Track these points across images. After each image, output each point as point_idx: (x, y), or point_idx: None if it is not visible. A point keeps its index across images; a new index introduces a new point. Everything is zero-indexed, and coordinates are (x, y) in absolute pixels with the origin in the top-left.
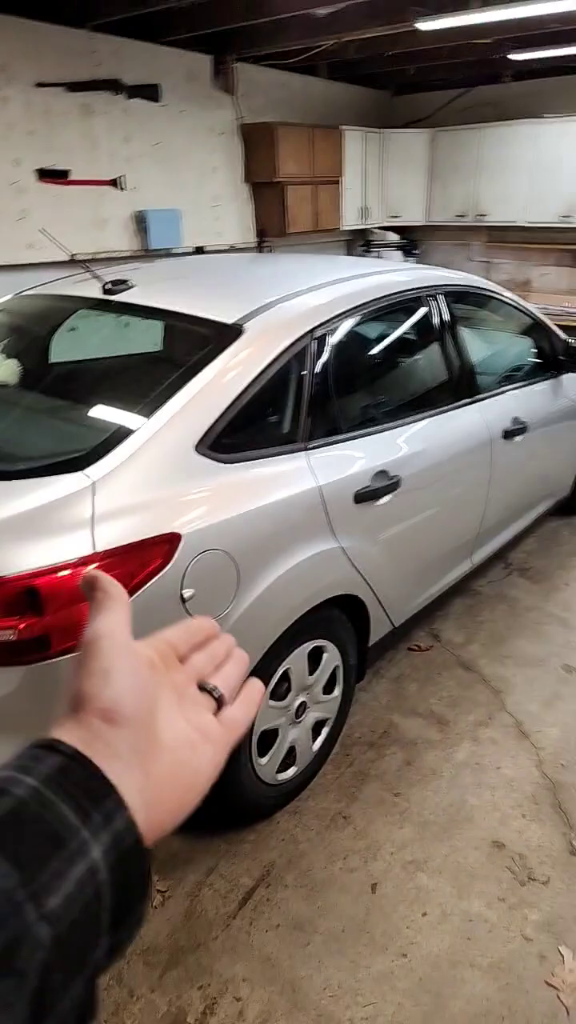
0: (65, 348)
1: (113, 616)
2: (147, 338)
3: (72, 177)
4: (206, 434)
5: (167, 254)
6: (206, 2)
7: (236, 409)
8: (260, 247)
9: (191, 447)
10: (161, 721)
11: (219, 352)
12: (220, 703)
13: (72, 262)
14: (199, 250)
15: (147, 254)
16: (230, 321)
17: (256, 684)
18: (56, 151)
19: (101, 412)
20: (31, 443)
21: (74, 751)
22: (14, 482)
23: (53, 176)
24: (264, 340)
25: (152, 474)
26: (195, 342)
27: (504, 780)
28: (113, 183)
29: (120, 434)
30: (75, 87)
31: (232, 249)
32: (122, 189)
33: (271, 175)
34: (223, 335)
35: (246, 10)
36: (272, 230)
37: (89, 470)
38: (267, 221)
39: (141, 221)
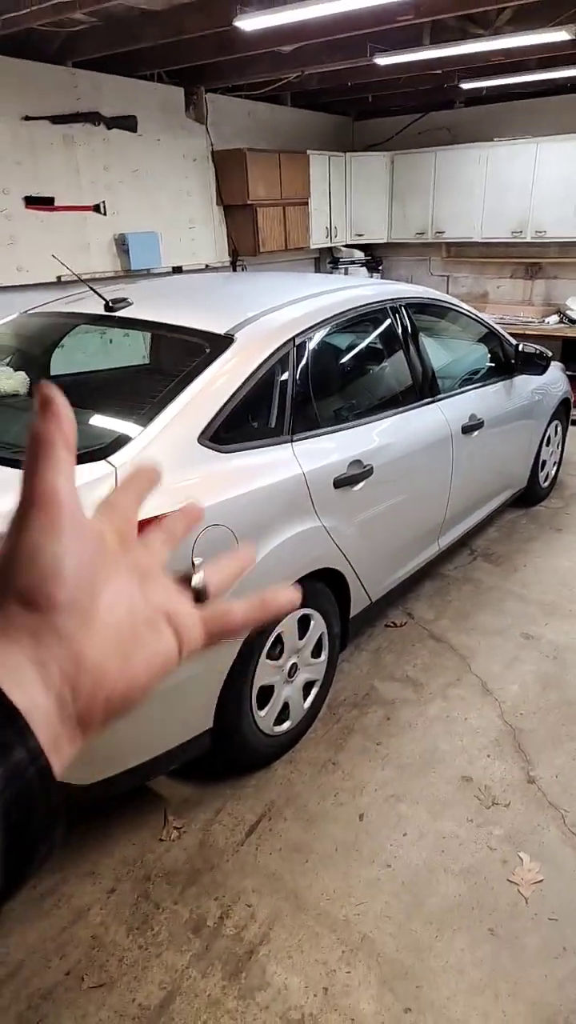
0: (75, 360)
1: (59, 474)
2: (147, 348)
3: (57, 204)
4: (207, 427)
5: (147, 274)
6: (178, 41)
7: (232, 406)
8: (234, 266)
9: (195, 438)
10: (106, 602)
11: (215, 358)
12: (200, 596)
13: (59, 283)
14: (177, 270)
15: (128, 274)
16: (222, 331)
17: (287, 589)
18: (41, 180)
19: (116, 411)
20: None
21: None
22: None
23: (39, 203)
24: (252, 347)
25: (163, 461)
26: (193, 349)
27: (471, 728)
28: (95, 208)
29: (135, 429)
30: (58, 120)
31: (208, 268)
32: (104, 214)
33: (243, 198)
34: (217, 343)
35: (216, 48)
36: (245, 249)
37: (111, 458)
38: (240, 241)
39: (122, 243)
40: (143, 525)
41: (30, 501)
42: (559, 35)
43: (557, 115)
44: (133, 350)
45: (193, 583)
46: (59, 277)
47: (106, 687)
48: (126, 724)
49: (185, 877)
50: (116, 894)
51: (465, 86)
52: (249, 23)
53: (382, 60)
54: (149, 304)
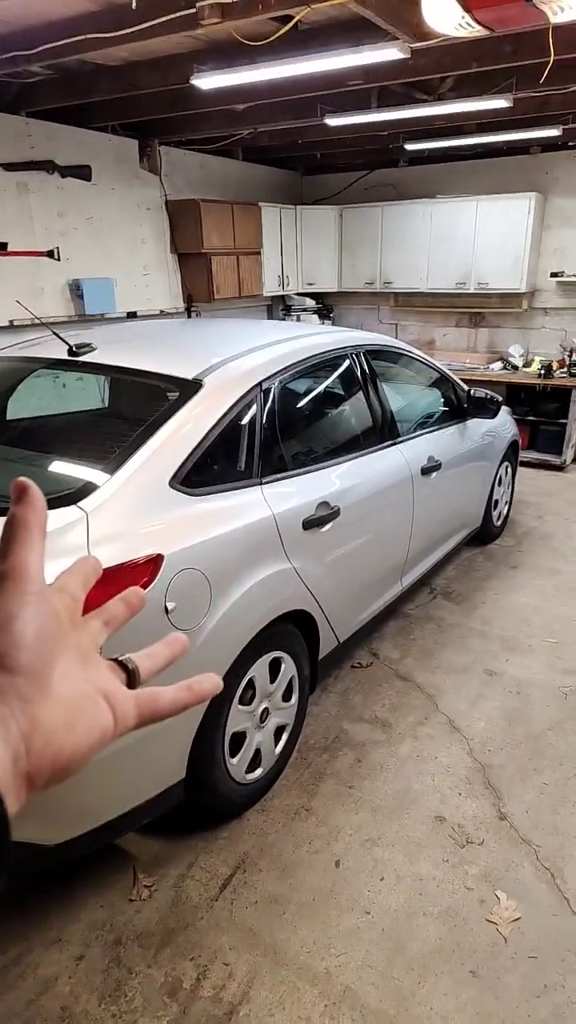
0: (31, 404)
1: (31, 553)
2: (106, 393)
3: (10, 248)
4: (178, 471)
5: (102, 319)
6: (133, 96)
7: (202, 449)
8: (189, 312)
9: (166, 482)
10: (58, 673)
11: (184, 402)
12: (132, 677)
13: (11, 327)
14: (132, 315)
15: (83, 319)
16: (190, 376)
17: (210, 677)
18: None
19: (86, 455)
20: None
21: None
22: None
23: None
24: (220, 392)
25: (135, 505)
26: (161, 394)
27: (442, 767)
28: (49, 254)
29: (105, 473)
30: (12, 167)
31: (162, 314)
32: (58, 259)
33: (197, 247)
34: (186, 388)
35: (170, 104)
36: (200, 296)
37: (82, 503)
38: (195, 288)
39: (76, 289)
40: (108, 573)
41: (5, 574)
42: (498, 103)
43: (494, 175)
44: (88, 394)
45: (127, 665)
46: (11, 321)
47: (54, 749)
48: (96, 778)
49: (158, 938)
50: (85, 961)
51: (409, 147)
52: (205, 82)
53: (332, 121)
54: (112, 349)
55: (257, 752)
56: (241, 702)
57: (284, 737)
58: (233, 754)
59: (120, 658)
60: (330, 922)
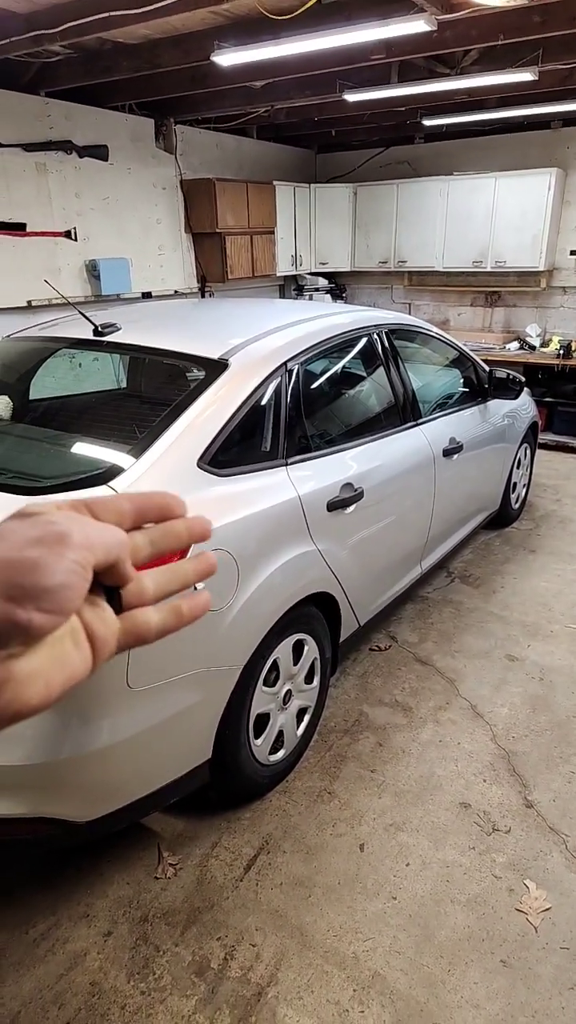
0: (53, 384)
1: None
2: (124, 372)
3: (29, 229)
4: (205, 451)
5: (117, 299)
6: (152, 74)
7: (229, 429)
8: (203, 292)
9: (194, 462)
10: None
11: (211, 382)
12: (113, 598)
13: (29, 307)
14: (147, 295)
15: (99, 299)
16: (216, 356)
17: (200, 595)
18: (14, 205)
19: (114, 435)
20: (56, 464)
21: None
22: (48, 496)
23: (11, 228)
24: (246, 372)
25: (165, 485)
26: (187, 374)
27: (465, 753)
28: (66, 235)
29: (135, 453)
30: (31, 147)
31: (176, 294)
32: (74, 240)
33: (212, 226)
34: (212, 368)
35: (190, 81)
36: (214, 276)
37: (113, 482)
38: (209, 268)
39: (93, 269)
40: None
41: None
42: (523, 76)
43: (513, 151)
44: (104, 375)
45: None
46: (29, 302)
47: (19, 703)
48: (127, 757)
49: (185, 917)
50: (113, 937)
51: (427, 122)
52: (226, 58)
53: (351, 97)
54: (134, 329)
55: (280, 734)
56: (265, 684)
57: (306, 719)
58: (257, 735)
59: (99, 579)
60: (356, 906)
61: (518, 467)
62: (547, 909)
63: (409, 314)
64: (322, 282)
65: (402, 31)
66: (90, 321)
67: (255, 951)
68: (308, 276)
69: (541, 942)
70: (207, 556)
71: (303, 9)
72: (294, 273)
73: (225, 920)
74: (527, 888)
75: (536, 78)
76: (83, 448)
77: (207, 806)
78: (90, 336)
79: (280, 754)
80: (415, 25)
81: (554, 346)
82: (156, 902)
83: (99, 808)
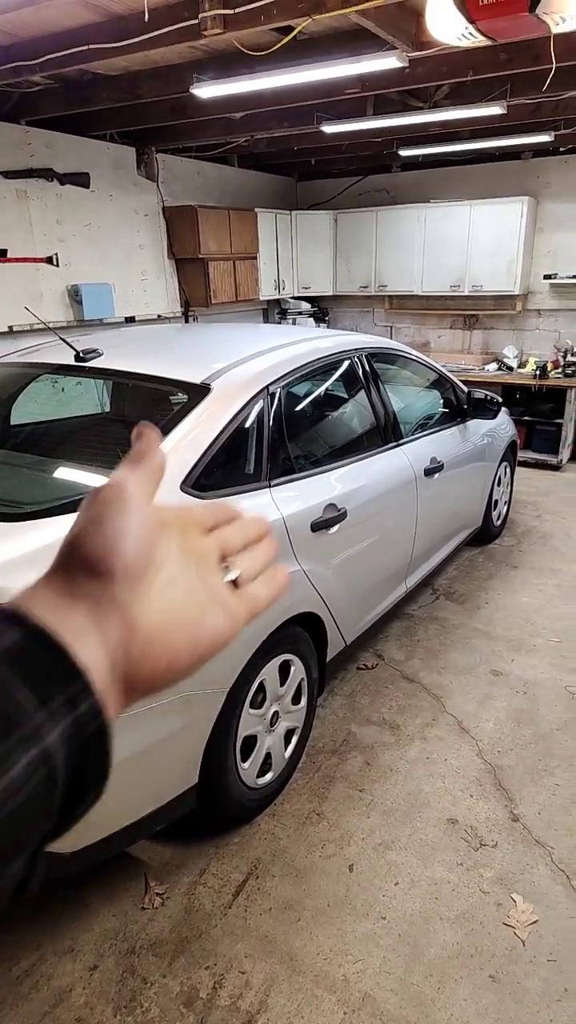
0: (36, 410)
1: (136, 476)
2: (107, 397)
3: (10, 255)
4: (188, 474)
5: (100, 323)
6: (133, 104)
7: (212, 452)
8: (186, 316)
9: (177, 485)
10: (165, 576)
11: (194, 406)
12: (235, 580)
13: (10, 333)
14: (130, 320)
15: (81, 324)
16: (198, 380)
17: (283, 568)
18: None
19: (96, 460)
20: (38, 490)
21: (38, 628)
22: (31, 521)
23: None
24: (229, 396)
25: None
26: (170, 398)
27: (452, 769)
28: (48, 260)
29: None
30: (11, 175)
31: (160, 318)
32: (56, 265)
33: (195, 252)
34: (195, 392)
35: (170, 112)
36: (197, 300)
37: None
38: (192, 292)
39: (75, 294)
40: None
41: (109, 491)
42: (493, 109)
43: (487, 180)
44: (88, 400)
45: (231, 574)
46: (11, 327)
47: (152, 657)
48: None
49: (172, 947)
50: (99, 971)
51: (403, 152)
52: (205, 91)
53: (329, 128)
54: (117, 354)
55: (267, 756)
56: (252, 706)
57: (294, 740)
58: (244, 758)
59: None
60: (346, 928)
61: (499, 485)
62: (534, 922)
63: (391, 336)
64: (305, 306)
65: (375, 67)
66: (71, 347)
67: (244, 978)
68: (291, 300)
69: (529, 955)
70: (272, 539)
71: (279, 46)
72: (277, 297)
73: (214, 948)
74: (514, 902)
75: (505, 112)
76: (66, 473)
77: (195, 832)
78: (72, 362)
79: (268, 777)
80: (387, 62)
81: (531, 367)
82: (143, 933)
83: (83, 838)
